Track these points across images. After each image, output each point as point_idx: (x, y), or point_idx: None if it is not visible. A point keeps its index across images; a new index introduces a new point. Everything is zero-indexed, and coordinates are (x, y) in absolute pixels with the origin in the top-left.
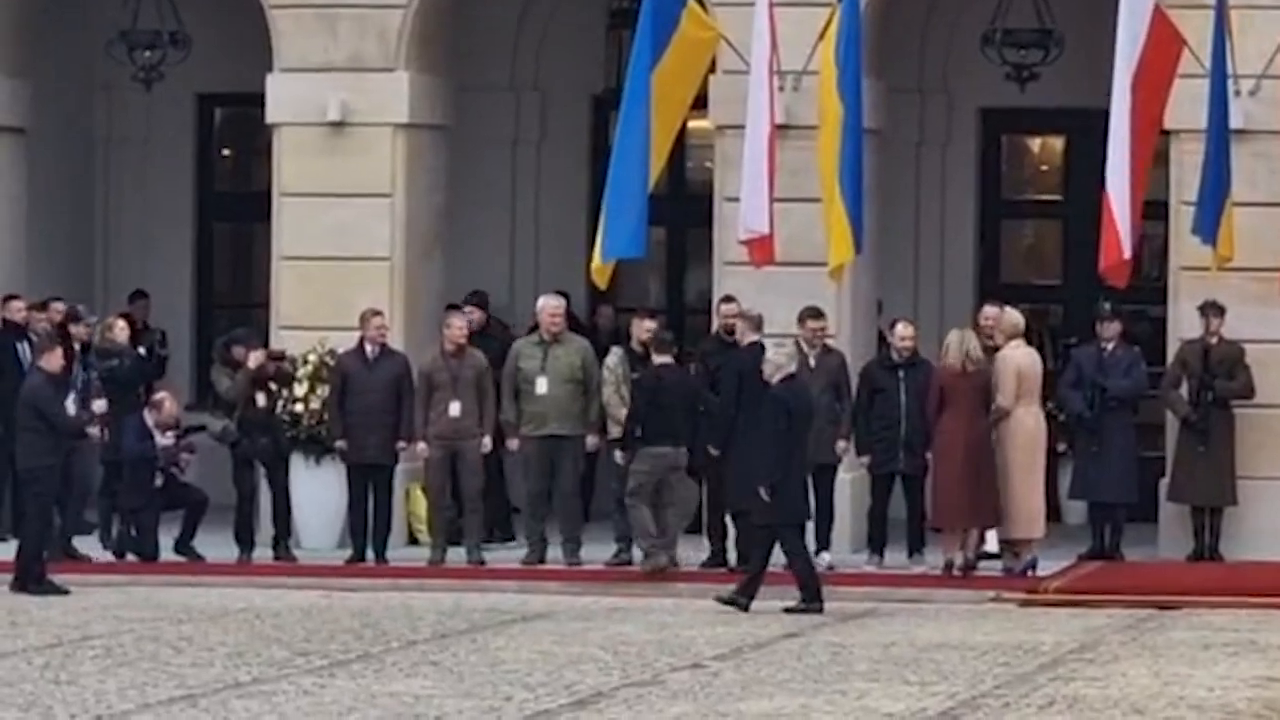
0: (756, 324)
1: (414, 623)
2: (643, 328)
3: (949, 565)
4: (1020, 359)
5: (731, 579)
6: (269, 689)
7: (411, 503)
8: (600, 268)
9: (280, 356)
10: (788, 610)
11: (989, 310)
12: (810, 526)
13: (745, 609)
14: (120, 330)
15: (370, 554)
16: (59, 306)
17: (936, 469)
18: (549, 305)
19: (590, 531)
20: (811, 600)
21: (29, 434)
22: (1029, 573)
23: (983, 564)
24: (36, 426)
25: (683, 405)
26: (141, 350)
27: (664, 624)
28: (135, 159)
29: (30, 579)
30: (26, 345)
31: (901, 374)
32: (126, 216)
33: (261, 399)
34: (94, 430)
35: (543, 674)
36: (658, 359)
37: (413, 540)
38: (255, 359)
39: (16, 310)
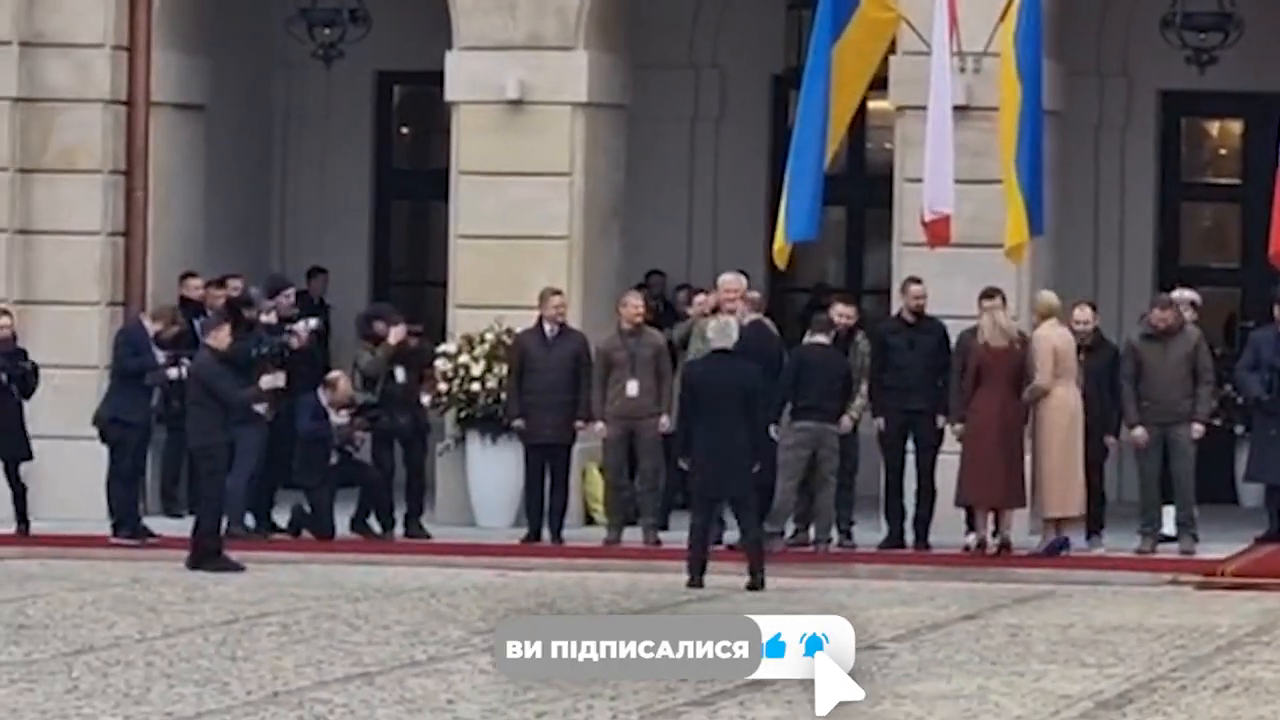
0: (756, 305)
1: (590, 603)
2: (839, 314)
3: (981, 544)
4: (1056, 338)
5: (909, 560)
6: (445, 667)
7: (588, 482)
8: (781, 249)
9: (420, 332)
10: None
11: (1157, 314)
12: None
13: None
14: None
15: (546, 533)
16: (236, 284)
17: (969, 447)
18: (727, 282)
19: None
20: (694, 579)
21: (198, 410)
22: (1061, 552)
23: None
24: (205, 404)
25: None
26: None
27: (841, 605)
28: (314, 136)
29: (207, 556)
30: (203, 322)
31: (1081, 357)
32: (305, 194)
33: (401, 374)
34: (260, 408)
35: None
36: (811, 338)
37: (589, 520)
38: (396, 334)
39: (194, 288)
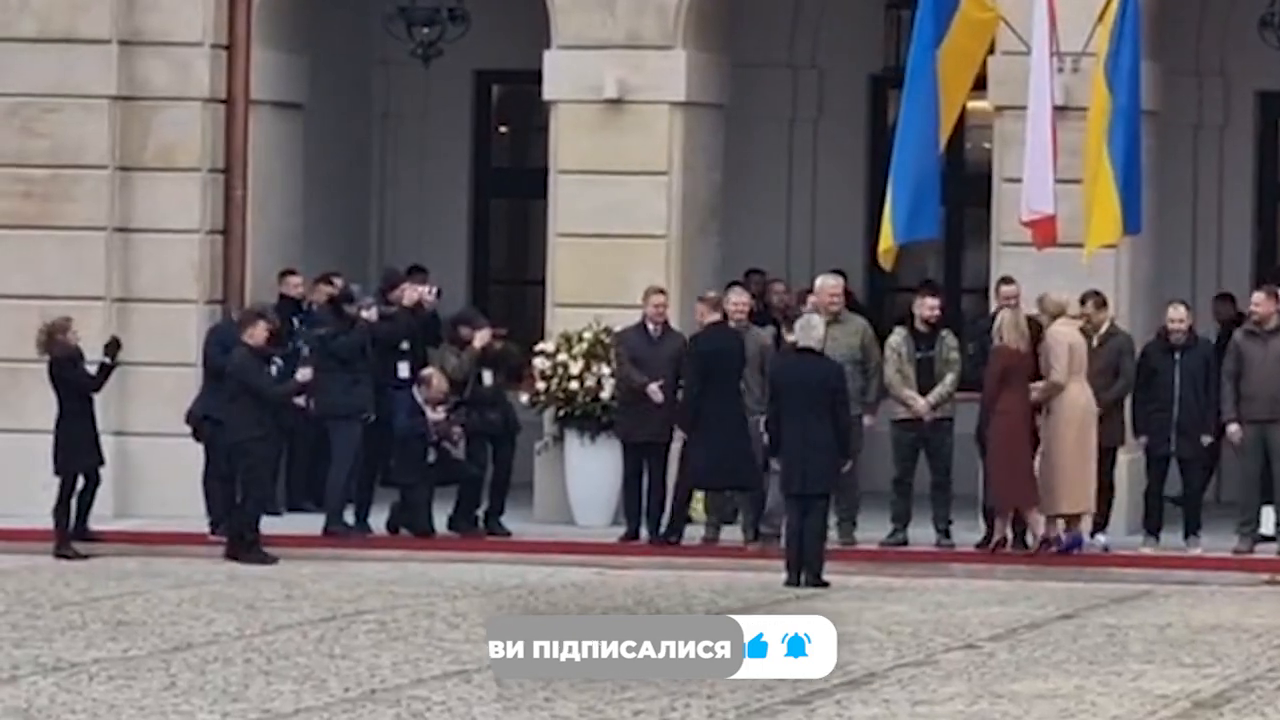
0: (715, 304)
1: (687, 601)
2: (925, 305)
3: (1002, 541)
4: (1071, 335)
5: (1006, 559)
6: None
7: None
8: (887, 249)
9: (505, 335)
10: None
11: (1257, 297)
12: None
13: (825, 584)
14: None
15: (644, 532)
16: (336, 282)
17: (1000, 449)
18: (828, 285)
19: (863, 510)
20: (793, 579)
21: (233, 407)
22: (1075, 550)
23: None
24: (241, 400)
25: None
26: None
27: (939, 604)
28: (413, 135)
29: (243, 548)
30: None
31: (1177, 356)
32: (403, 192)
33: (488, 377)
34: (300, 400)
35: None
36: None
37: (687, 518)
38: (480, 339)
39: (294, 285)
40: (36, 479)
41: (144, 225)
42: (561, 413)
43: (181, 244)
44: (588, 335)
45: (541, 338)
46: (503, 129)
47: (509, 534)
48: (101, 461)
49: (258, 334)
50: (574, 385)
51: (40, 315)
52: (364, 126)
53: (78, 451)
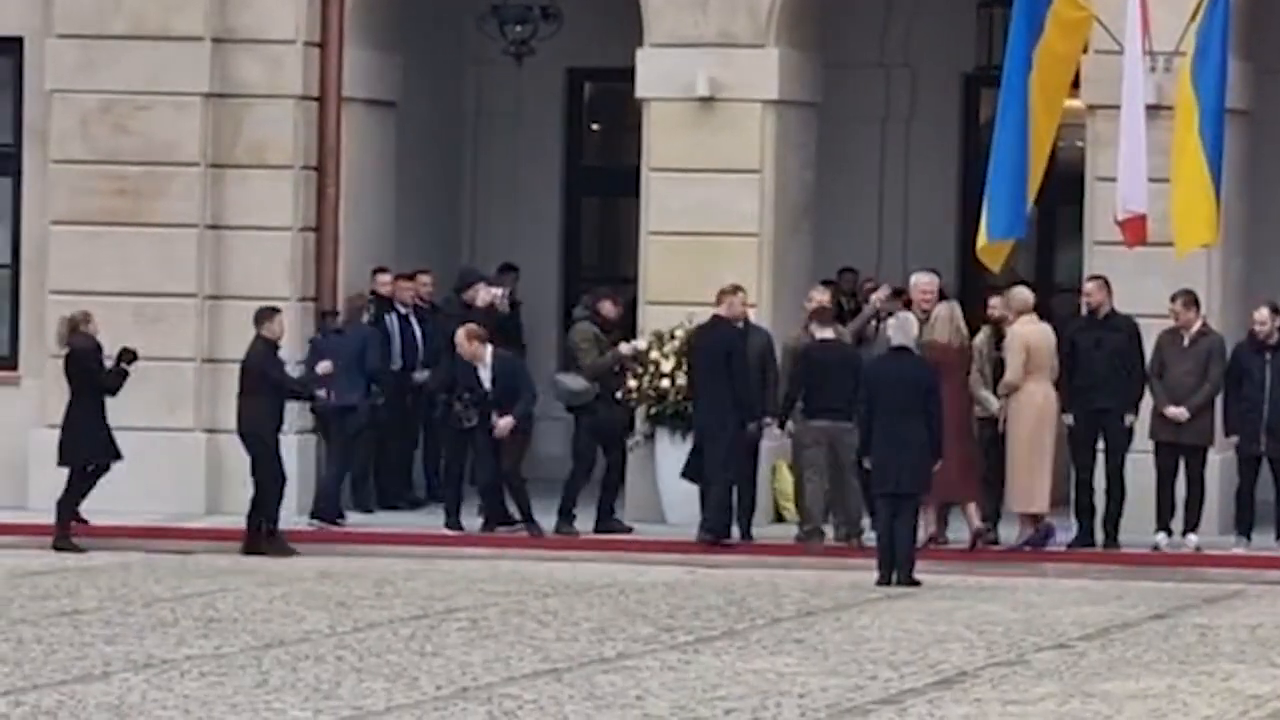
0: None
1: (779, 600)
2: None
3: (932, 540)
4: (1029, 334)
5: (1098, 559)
6: (633, 664)
7: (778, 480)
8: (987, 248)
9: (636, 356)
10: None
11: None
12: (1180, 508)
13: (916, 583)
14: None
15: (736, 531)
16: (425, 279)
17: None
18: (921, 282)
19: (954, 510)
20: (884, 578)
21: (245, 399)
22: (1047, 543)
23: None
24: (256, 393)
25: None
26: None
27: (1030, 603)
28: (504, 133)
29: (261, 541)
30: (395, 317)
31: (1268, 357)
32: (495, 190)
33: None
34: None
35: (907, 652)
36: (820, 333)
37: (778, 517)
38: (627, 349)
39: (384, 283)
40: (121, 475)
41: (236, 223)
42: (653, 411)
43: (274, 241)
44: (679, 333)
45: (633, 336)
46: (594, 127)
47: (630, 529)
48: (118, 455)
49: (274, 328)
50: (665, 383)
51: (133, 313)
52: (456, 124)
53: (85, 444)
